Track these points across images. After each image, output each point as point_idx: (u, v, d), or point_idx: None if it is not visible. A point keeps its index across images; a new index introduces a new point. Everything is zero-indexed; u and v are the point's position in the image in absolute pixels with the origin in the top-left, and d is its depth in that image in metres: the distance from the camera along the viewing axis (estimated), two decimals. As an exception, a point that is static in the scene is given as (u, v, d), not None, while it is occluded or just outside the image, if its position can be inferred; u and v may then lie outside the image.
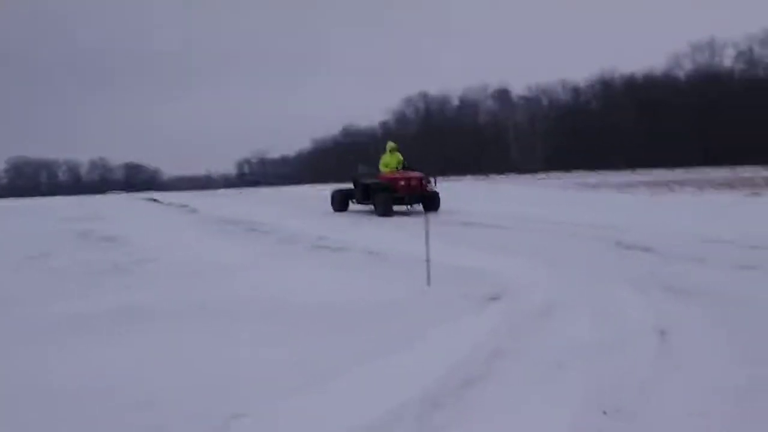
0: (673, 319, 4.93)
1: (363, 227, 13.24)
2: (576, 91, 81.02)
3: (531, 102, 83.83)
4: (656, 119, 65.54)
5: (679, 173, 43.19)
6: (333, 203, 17.77)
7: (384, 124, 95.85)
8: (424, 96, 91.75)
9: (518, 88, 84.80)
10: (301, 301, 5.96)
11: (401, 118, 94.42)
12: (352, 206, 17.79)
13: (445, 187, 20.39)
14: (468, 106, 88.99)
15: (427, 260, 6.56)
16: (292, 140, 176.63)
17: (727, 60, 69.57)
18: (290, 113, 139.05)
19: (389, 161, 16.92)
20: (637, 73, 73.73)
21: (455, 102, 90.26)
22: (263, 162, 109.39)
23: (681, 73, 72.48)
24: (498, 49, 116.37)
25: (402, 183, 15.75)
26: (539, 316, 5.16)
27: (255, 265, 8.31)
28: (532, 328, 4.82)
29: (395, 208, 15.99)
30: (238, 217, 17.39)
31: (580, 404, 3.38)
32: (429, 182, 16.29)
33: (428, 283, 6.39)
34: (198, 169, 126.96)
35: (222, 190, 52.97)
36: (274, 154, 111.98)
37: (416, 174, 16.17)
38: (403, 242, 9.92)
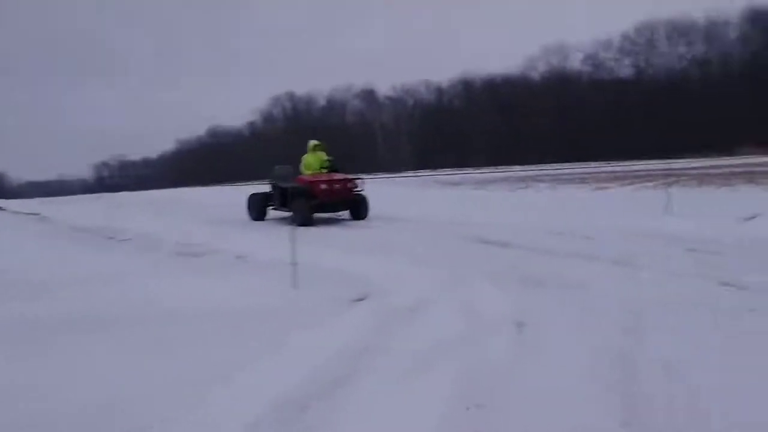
0: (529, 310, 5.18)
1: (236, 234, 12.92)
2: (439, 91, 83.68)
3: (396, 102, 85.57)
4: (514, 118, 69.00)
5: (536, 170, 45.65)
6: (249, 210, 15.44)
7: (251, 124, 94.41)
8: (291, 96, 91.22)
9: (384, 88, 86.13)
10: (169, 307, 5.71)
11: (268, 118, 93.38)
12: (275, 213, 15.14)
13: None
14: (335, 106, 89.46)
15: (293, 263, 6.49)
16: (155, 142, 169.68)
17: (576, 63, 74.51)
18: (152, 114, 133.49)
19: (311, 162, 14.34)
20: (496, 74, 77.33)
21: (322, 102, 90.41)
22: (123, 165, 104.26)
23: (536, 75, 76.84)
24: (363, 50, 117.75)
25: (323, 187, 13.36)
26: (406, 314, 5.24)
27: (121, 275, 7.87)
28: (398, 326, 4.89)
29: (320, 215, 13.91)
30: (93, 224, 16.42)
31: (447, 399, 3.47)
32: (355, 185, 13.96)
33: (294, 286, 6.33)
34: (51, 174, 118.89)
35: (78, 196, 49.88)
36: (135, 156, 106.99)
37: (339, 176, 13.93)
38: (269, 246, 9.76)
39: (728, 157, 45.58)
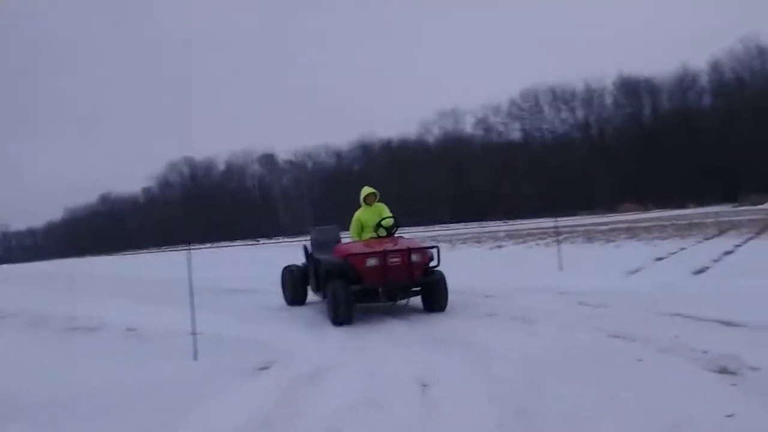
0: (433, 371, 5.22)
1: (127, 303, 12.32)
2: (339, 154, 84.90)
3: (297, 166, 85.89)
4: (411, 179, 70.68)
5: (435, 230, 46.67)
6: (284, 291, 10.57)
7: (147, 190, 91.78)
8: (189, 161, 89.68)
9: (284, 152, 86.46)
10: (53, 393, 5.35)
11: (165, 184, 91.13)
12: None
13: (210, 253, 19.75)
14: (235, 170, 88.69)
15: (193, 333, 6.28)
16: (40, 209, 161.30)
17: (468, 126, 77.88)
18: (38, 180, 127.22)
19: (367, 219, 9.24)
20: (394, 137, 79.52)
21: (221, 167, 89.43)
22: (5, 235, 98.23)
23: (431, 138, 79.58)
24: (263, 116, 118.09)
25: (371, 263, 8.16)
26: (311, 381, 5.16)
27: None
28: (303, 394, 4.79)
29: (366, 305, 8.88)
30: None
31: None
32: (426, 259, 8.62)
33: (195, 357, 6.11)
34: None
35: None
36: (19, 225, 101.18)
37: (400, 244, 8.62)
38: (164, 315, 9.40)
39: (611, 214, 48.39)
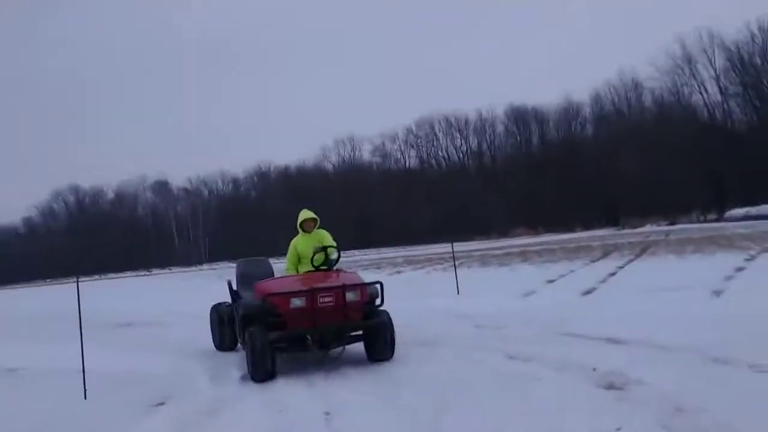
0: (338, 400, 5.21)
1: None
2: (236, 182, 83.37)
3: (192, 194, 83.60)
4: (309, 206, 70.48)
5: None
6: (212, 334, 8.76)
7: (27, 221, 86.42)
8: (76, 189, 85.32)
9: (179, 179, 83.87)
10: None
11: (49, 213, 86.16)
12: None
13: (102, 285, 18.77)
14: (125, 199, 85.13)
15: (83, 370, 5.95)
16: None
17: (366, 153, 78.76)
18: None
19: (305, 248, 7.68)
20: (291, 164, 79.11)
21: (110, 195, 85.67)
22: None
23: (329, 165, 79.83)
24: (155, 141, 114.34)
25: (297, 303, 6.56)
26: (209, 415, 5.02)
27: None
28: (201, 429, 4.65)
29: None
30: None
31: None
32: (367, 294, 6.99)
33: (85, 396, 5.79)
34: None
35: None
36: None
37: (334, 279, 7.08)
38: (51, 353, 8.85)
39: (504, 239, 50.12)
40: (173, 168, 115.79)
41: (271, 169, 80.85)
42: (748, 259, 13.62)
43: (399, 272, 20.33)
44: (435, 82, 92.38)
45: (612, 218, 52.44)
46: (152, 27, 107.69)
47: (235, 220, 73.57)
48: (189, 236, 78.20)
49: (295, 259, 7.71)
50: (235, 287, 8.03)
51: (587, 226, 51.92)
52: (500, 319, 9.02)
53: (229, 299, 8.25)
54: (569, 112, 66.78)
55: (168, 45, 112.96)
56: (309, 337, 6.54)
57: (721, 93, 50.15)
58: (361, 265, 27.43)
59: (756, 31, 46.23)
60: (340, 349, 7.03)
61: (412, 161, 77.12)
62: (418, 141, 76.09)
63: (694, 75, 51.64)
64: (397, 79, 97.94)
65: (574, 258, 17.76)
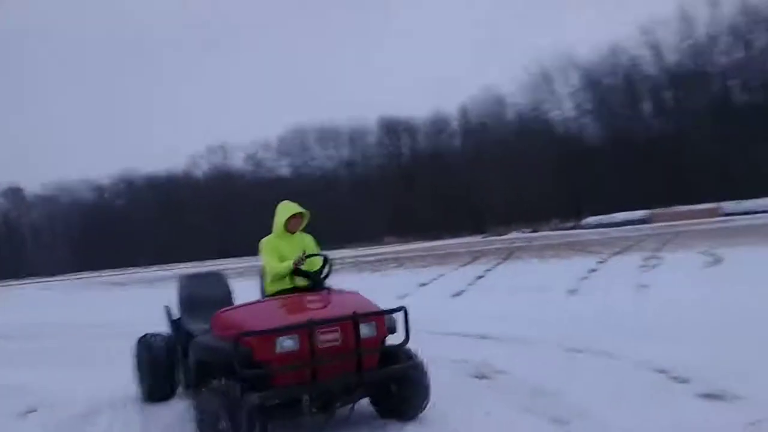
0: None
1: None
2: (100, 189, 79.16)
3: (48, 201, 78.46)
4: (178, 215, 68.31)
5: (201, 267, 45.42)
6: (140, 377, 5.83)
7: None
8: None
9: (34, 186, 78.31)
10: None
11: None
12: None
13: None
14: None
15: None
16: None
17: (238, 162, 77.41)
18: None
19: (288, 254, 5.04)
20: (160, 172, 76.18)
21: (-45, 202, 78.67)
22: None
23: (199, 173, 77.68)
24: (6, 146, 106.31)
25: (288, 346, 4.04)
26: (81, 424, 4.90)
27: None
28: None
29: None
30: None
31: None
32: (385, 326, 4.53)
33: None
34: None
35: None
36: None
37: (338, 304, 4.51)
38: None
39: (377, 247, 50.99)
40: (27, 174, 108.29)
41: (138, 176, 77.61)
42: (600, 262, 14.81)
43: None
44: (308, 92, 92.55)
45: (478, 226, 54.75)
46: None
47: (99, 227, 69.91)
48: (47, 245, 73.33)
49: (275, 271, 5.02)
50: (177, 314, 5.46)
51: (455, 234, 53.89)
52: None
53: (165, 328, 5.70)
54: (437, 125, 69.14)
55: (28, 45, 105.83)
56: (306, 397, 4.08)
57: (576, 109, 53.94)
58: (230, 274, 26.97)
59: (606, 53, 50.17)
60: (348, 407, 4.51)
61: (284, 170, 76.81)
62: (292, 150, 75.90)
63: (552, 92, 55.24)
64: (270, 88, 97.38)
65: (444, 263, 18.47)
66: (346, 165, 74.49)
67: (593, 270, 13.31)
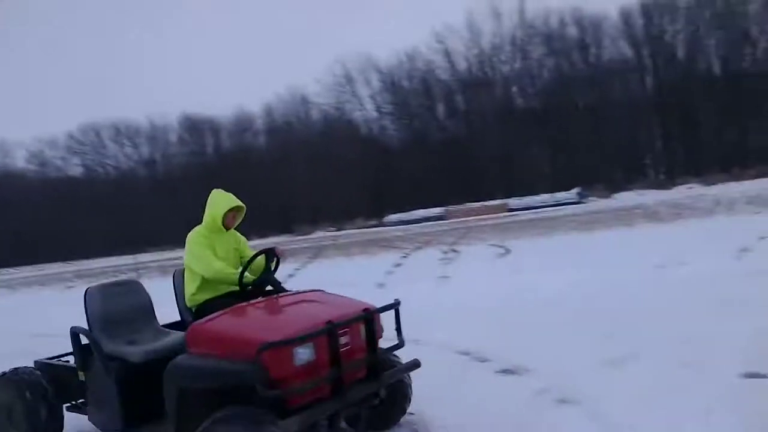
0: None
1: None
2: None
3: None
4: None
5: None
6: None
7: None
8: None
9: None
10: None
11: None
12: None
13: None
14: None
15: None
16: None
17: (20, 160, 70.41)
18: None
19: (225, 252, 4.54)
20: None
21: None
22: None
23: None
24: None
25: (306, 357, 3.34)
26: None
27: None
28: None
29: None
30: None
31: None
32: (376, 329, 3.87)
33: None
34: None
35: None
36: None
37: (333, 303, 4.03)
38: None
39: (182, 249, 49.10)
40: None
41: None
42: (403, 257, 15.68)
43: (70, 287, 18.87)
44: (102, 88, 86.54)
45: (285, 225, 54.88)
46: None
47: None
48: None
49: (211, 271, 4.27)
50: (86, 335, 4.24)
51: (262, 234, 53.55)
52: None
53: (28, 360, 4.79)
54: (242, 123, 68.14)
55: None
56: (335, 412, 3.50)
57: (377, 111, 56.00)
58: (20, 282, 24.73)
59: (404, 58, 52.66)
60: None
61: (75, 169, 71.16)
62: (83, 148, 70.57)
63: (354, 93, 56.81)
64: (59, 83, 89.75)
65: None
66: (145, 164, 70.87)
67: (398, 264, 14.08)
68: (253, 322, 3.74)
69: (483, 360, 5.49)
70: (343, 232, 42.23)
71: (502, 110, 48.10)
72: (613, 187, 41.27)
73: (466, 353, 5.74)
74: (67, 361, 4.72)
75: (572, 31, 47.21)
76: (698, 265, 8.88)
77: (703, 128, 43.22)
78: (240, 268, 4.27)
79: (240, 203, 4.62)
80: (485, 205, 38.98)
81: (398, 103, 53.14)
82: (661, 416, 3.86)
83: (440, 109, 53.01)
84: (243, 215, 4.70)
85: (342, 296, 4.22)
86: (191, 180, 64.46)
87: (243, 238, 4.79)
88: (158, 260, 30.75)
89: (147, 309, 4.65)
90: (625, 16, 45.59)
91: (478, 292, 8.79)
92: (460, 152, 47.64)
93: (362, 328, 3.75)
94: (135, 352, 4.01)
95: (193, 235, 4.47)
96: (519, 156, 46.47)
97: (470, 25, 48.80)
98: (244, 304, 3.90)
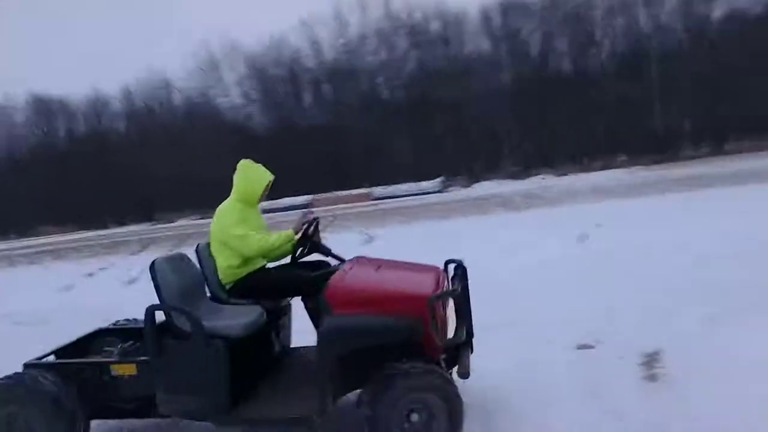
0: None
1: None
2: None
3: None
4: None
5: None
6: None
7: None
8: None
9: None
10: None
11: None
12: None
13: None
14: None
15: None
16: None
17: None
18: None
19: (257, 227, 4.64)
20: None
21: None
22: None
23: None
24: None
25: (441, 311, 3.89)
26: None
27: None
28: None
29: None
30: None
31: None
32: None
33: None
34: None
35: None
36: None
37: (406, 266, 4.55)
38: None
39: (32, 238, 46.11)
40: None
41: None
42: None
43: None
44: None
45: (146, 213, 52.69)
46: None
47: None
48: None
49: (249, 245, 4.34)
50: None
51: (122, 222, 51.21)
52: (41, 314, 8.76)
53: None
54: (98, 106, 64.44)
55: None
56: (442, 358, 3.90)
57: (243, 97, 54.87)
58: None
59: (270, 44, 51.84)
60: None
61: None
62: None
63: (219, 79, 55.31)
64: None
65: (113, 252, 17.70)
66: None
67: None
68: (391, 280, 3.97)
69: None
70: (208, 220, 41.15)
71: (368, 100, 48.85)
72: (475, 177, 43.23)
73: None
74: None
75: (435, 25, 48.63)
76: (543, 250, 9.65)
77: (555, 122, 46.12)
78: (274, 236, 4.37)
79: (272, 176, 4.73)
80: (351, 194, 39.53)
81: (265, 90, 52.42)
82: (512, 385, 4.25)
83: (307, 97, 52.89)
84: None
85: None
86: (41, 164, 60.34)
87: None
88: (4, 249, 28.62)
89: (201, 282, 4.47)
90: (485, 14, 47.64)
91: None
92: (326, 141, 47.91)
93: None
94: (235, 326, 3.84)
95: (228, 209, 4.42)
96: (384, 146, 47.46)
97: (337, 15, 49.03)
98: (344, 267, 4.15)
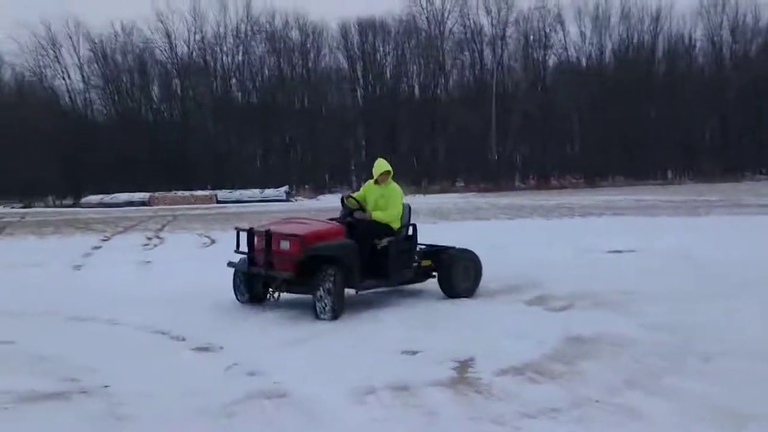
0: None
1: None
2: None
3: None
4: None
5: None
6: None
7: None
8: None
9: None
10: None
11: None
12: None
13: None
14: None
15: None
16: None
17: None
18: None
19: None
20: None
21: None
22: None
23: None
24: None
25: None
26: None
27: None
28: None
29: None
30: None
31: None
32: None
33: None
34: None
35: None
36: None
37: None
38: None
39: None
40: None
41: None
42: (104, 240, 15.05)
43: None
44: None
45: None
46: None
47: None
48: None
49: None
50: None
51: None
52: None
53: None
54: None
55: None
56: None
57: (84, 82, 51.48)
58: None
59: (119, 30, 49.15)
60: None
61: None
62: None
63: (58, 60, 51.45)
64: None
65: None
66: None
67: (97, 247, 13.54)
68: None
69: (180, 339, 5.76)
70: (31, 209, 38.24)
71: (220, 101, 47.86)
72: (320, 189, 43.70)
73: (164, 332, 5.96)
74: None
75: (295, 34, 48.72)
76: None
77: (401, 143, 47.80)
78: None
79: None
80: (194, 195, 38.50)
81: (109, 77, 49.51)
82: (338, 386, 4.48)
83: (155, 91, 50.70)
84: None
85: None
86: None
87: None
88: None
89: None
90: (344, 30, 48.47)
91: (181, 278, 8.86)
92: (171, 138, 46.28)
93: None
94: None
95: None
96: (233, 149, 46.71)
97: (194, 10, 47.61)
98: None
